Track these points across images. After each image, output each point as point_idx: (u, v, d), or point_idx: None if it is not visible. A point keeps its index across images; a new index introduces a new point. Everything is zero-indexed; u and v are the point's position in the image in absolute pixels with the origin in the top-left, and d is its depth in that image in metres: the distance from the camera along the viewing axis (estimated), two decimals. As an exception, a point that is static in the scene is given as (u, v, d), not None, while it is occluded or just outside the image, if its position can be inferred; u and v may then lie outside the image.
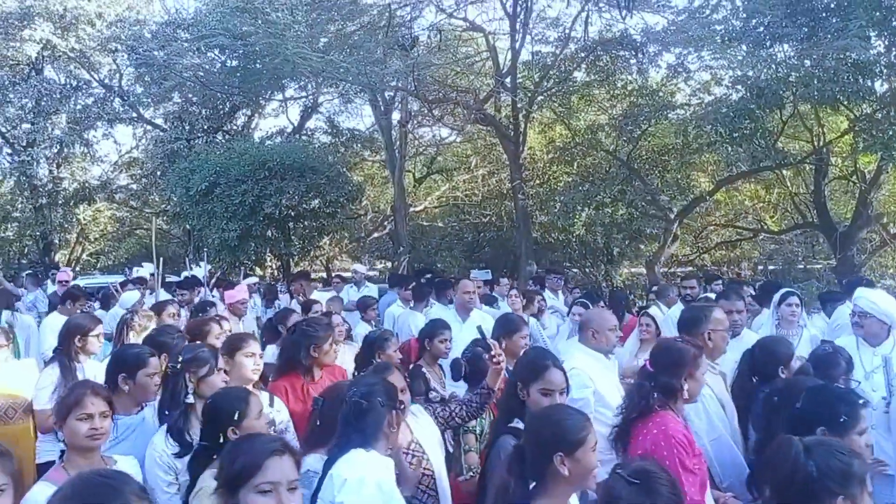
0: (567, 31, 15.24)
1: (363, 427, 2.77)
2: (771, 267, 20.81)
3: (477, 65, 17.06)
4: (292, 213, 14.96)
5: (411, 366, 4.81)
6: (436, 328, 5.13)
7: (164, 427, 3.30)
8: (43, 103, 18.74)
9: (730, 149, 13.75)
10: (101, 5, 18.39)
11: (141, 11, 19.07)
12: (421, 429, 3.43)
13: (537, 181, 18.16)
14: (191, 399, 3.39)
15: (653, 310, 6.55)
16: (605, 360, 4.26)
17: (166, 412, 3.39)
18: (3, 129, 19.42)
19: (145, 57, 16.52)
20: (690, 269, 19.99)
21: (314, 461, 2.92)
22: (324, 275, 18.90)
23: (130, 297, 7.54)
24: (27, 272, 13.98)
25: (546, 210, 17.31)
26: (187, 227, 18.75)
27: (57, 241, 21.45)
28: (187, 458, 3.03)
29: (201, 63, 16.61)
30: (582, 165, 17.07)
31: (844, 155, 14.84)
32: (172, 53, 16.14)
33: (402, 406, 3.04)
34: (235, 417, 2.87)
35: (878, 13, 9.83)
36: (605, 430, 3.29)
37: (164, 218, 21.85)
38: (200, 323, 5.07)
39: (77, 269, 23.24)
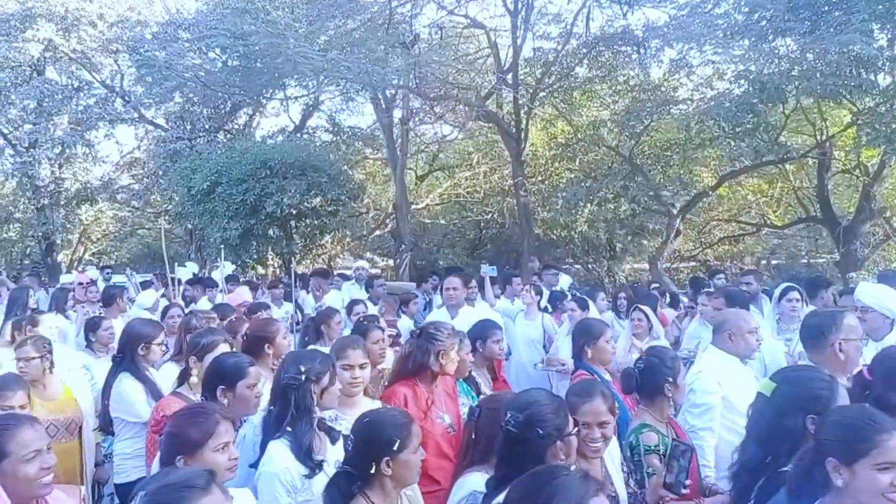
0: (568, 26, 15.23)
1: (519, 462, 2.35)
2: (774, 261, 20.81)
3: (478, 62, 17.04)
4: (294, 212, 14.95)
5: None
6: (486, 329, 4.79)
7: (283, 441, 2.91)
8: (45, 104, 18.75)
9: (732, 143, 13.74)
10: (102, 6, 18.38)
11: (142, 12, 19.05)
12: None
13: (539, 177, 18.15)
14: (318, 412, 3.08)
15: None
16: (739, 364, 3.93)
17: (287, 428, 2.97)
18: (5, 131, 19.43)
19: (146, 57, 16.50)
20: (693, 264, 20.01)
21: (476, 481, 2.61)
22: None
23: (147, 297, 7.53)
24: (27, 273, 14.03)
25: (548, 206, 17.30)
26: (189, 226, 18.77)
27: (59, 242, 21.46)
28: (313, 480, 2.81)
29: (202, 63, 16.60)
30: (584, 161, 17.05)
31: (847, 149, 14.81)
32: (173, 54, 16.13)
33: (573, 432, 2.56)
34: (395, 448, 2.51)
35: (880, 7, 9.78)
36: (735, 438, 3.10)
37: (166, 217, 21.86)
38: (265, 324, 4.70)
39: (79, 269, 23.31)
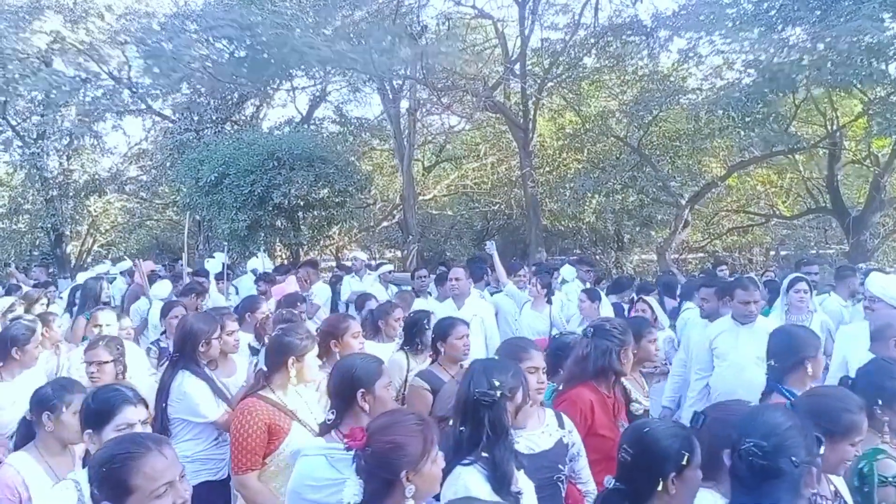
0: (576, 16, 15.15)
1: (773, 493, 2.09)
2: (783, 252, 20.70)
3: (486, 52, 16.99)
4: (301, 203, 14.96)
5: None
6: (642, 327, 4.35)
7: (477, 469, 2.50)
8: (52, 96, 18.77)
9: (742, 133, 13.65)
10: (109, -3, 18.40)
11: (150, 3, 19.02)
12: None
13: (547, 168, 18.11)
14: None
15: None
16: None
17: (483, 453, 2.54)
18: (14, 122, 19.48)
19: (154, 49, 16.50)
20: (702, 255, 19.94)
21: (709, 501, 2.34)
22: (333, 264, 18.92)
23: (163, 288, 7.49)
24: (35, 264, 14.09)
25: (556, 197, 17.27)
26: (197, 217, 18.81)
27: (68, 233, 21.52)
28: None
29: (209, 54, 16.57)
30: (592, 152, 17.00)
31: (858, 139, 14.72)
32: (181, 45, 16.11)
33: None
34: (683, 462, 2.23)
35: (892, -6, 9.69)
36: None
37: (174, 209, 21.90)
38: (336, 320, 4.38)
39: (88, 259, 23.41)
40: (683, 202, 15.21)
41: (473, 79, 15.82)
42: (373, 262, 13.21)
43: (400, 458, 2.11)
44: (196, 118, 18.99)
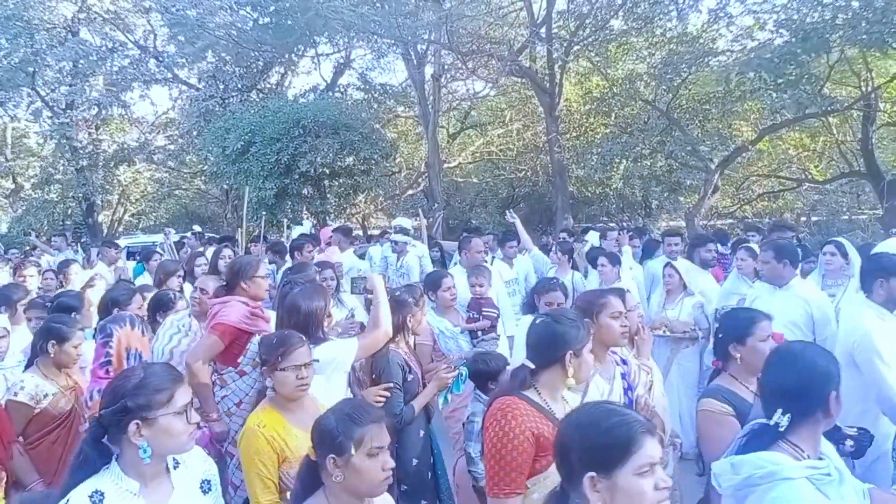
0: (603, -23, 14.82)
1: None
2: (814, 218, 20.38)
3: (511, 15, 16.72)
4: (327, 171, 15.02)
5: None
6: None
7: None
8: (80, 66, 18.94)
9: (774, 96, 13.34)
10: (134, -35, 18.43)
11: (173, -30, 19.03)
12: None
13: (574, 134, 17.91)
14: None
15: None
16: None
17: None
18: (43, 93, 19.70)
19: (178, 17, 16.53)
20: (731, 221, 19.70)
21: None
22: (360, 232, 19.01)
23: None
24: (54, 234, 14.28)
25: (583, 163, 17.09)
26: (224, 186, 18.96)
27: (99, 203, 21.86)
28: None
29: (233, 21, 16.57)
30: (620, 116, 16.76)
31: (894, 100, 14.34)
32: (205, 12, 16.13)
33: None
34: None
35: (933, -52, 9.36)
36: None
37: (202, 178, 22.08)
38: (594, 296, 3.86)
39: (120, 229, 23.77)
40: (713, 167, 14.97)
41: (498, 43, 15.63)
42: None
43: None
44: (222, 86, 19.06)
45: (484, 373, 3.81)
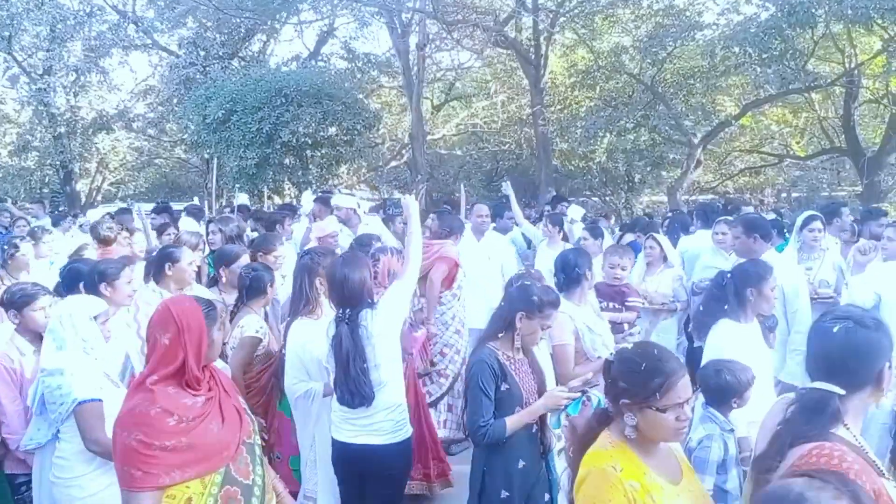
0: (591, -53, 14.67)
1: None
2: (795, 194, 20.56)
3: (497, -16, 16.56)
4: (309, 141, 14.86)
5: None
6: None
7: None
8: (57, 30, 18.54)
9: (758, 70, 13.38)
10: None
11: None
12: None
13: (558, 106, 17.85)
14: None
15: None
16: None
17: None
18: (20, 58, 19.30)
19: (157, -20, 16.22)
20: (712, 196, 19.81)
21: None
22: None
23: (190, 224, 7.37)
24: (30, 201, 14.03)
25: (567, 136, 17.06)
26: (205, 155, 18.73)
27: (77, 171, 21.55)
28: None
29: (214, -15, 16.27)
30: (604, 90, 16.71)
31: (876, 76, 14.39)
32: (185, -24, 15.84)
33: None
34: None
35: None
36: None
37: (182, 147, 21.78)
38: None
39: (98, 198, 23.46)
40: (696, 141, 15.01)
41: (484, 13, 15.48)
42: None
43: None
44: (202, 53, 18.75)
45: (731, 388, 3.07)
